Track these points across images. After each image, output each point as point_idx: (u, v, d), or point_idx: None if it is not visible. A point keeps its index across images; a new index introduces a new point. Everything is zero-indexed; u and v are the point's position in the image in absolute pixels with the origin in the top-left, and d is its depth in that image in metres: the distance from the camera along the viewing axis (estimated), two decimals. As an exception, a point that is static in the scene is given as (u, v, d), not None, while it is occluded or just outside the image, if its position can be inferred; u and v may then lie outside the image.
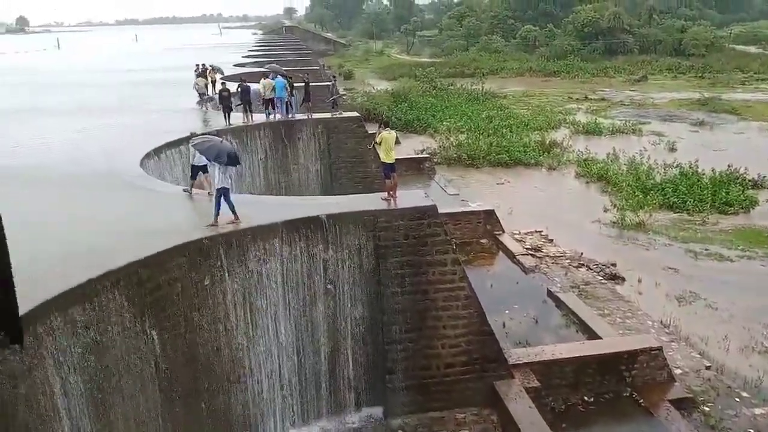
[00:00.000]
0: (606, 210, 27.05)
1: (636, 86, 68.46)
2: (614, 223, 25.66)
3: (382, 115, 38.83)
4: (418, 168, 32.89)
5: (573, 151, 37.77)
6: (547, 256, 21.87)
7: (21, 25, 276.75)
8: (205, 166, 13.79)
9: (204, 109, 26.78)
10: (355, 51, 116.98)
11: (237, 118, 23.18)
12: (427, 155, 35.40)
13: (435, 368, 13.50)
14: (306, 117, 24.64)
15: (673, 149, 38.00)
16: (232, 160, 11.68)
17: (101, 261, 9.48)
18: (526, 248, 22.31)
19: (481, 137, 39.26)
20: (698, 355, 15.64)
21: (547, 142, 38.89)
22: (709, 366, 15.13)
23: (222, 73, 31.54)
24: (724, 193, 27.95)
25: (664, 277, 20.62)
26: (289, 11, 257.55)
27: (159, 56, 66.36)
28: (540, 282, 19.87)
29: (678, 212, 26.98)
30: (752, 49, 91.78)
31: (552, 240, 23.34)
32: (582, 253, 22.16)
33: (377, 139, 13.71)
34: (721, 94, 58.16)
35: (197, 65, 30.76)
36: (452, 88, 61.96)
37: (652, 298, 19.02)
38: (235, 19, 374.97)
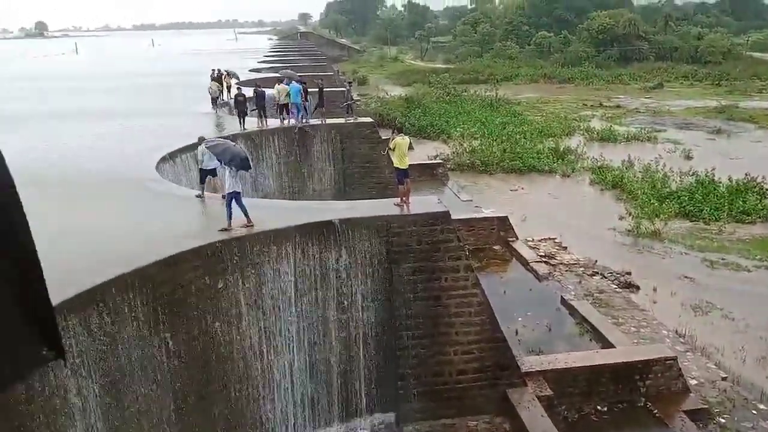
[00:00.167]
0: (621, 218, 26.82)
1: (651, 93, 67.97)
2: (629, 231, 25.44)
3: (396, 121, 38.83)
4: (431, 174, 32.86)
5: (587, 158, 37.53)
6: (561, 263, 21.73)
7: (40, 30, 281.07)
8: (214, 170, 13.91)
9: (217, 113, 26.96)
10: (370, 57, 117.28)
11: (251, 122, 23.33)
12: (441, 161, 35.37)
13: (447, 375, 13.44)
14: (320, 122, 24.73)
15: (689, 157, 37.62)
16: (245, 163, 11.78)
17: (116, 264, 9.57)
18: (540, 255, 22.18)
19: (494, 143, 39.15)
20: (714, 366, 15.44)
21: (561, 148, 38.69)
22: (726, 377, 14.92)
23: (237, 78, 31.81)
24: (741, 202, 27.62)
25: (680, 287, 20.40)
26: (304, 17, 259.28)
27: (175, 61, 67.02)
28: (553, 289, 19.73)
29: (694, 221, 26.70)
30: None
31: (566, 247, 23.19)
32: (596, 261, 22.00)
33: (391, 145, 13.73)
34: (739, 102, 57.58)
35: (212, 70, 31.02)
36: (466, 94, 61.89)
37: (668, 308, 18.81)
38: (250, 25, 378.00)
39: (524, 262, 21.73)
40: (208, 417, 11.08)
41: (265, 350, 12.12)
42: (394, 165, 14.11)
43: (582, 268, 21.35)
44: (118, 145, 20.41)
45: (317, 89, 25.73)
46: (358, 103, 36.09)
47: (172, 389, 10.21)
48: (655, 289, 20.06)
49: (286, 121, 24.25)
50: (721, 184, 29.90)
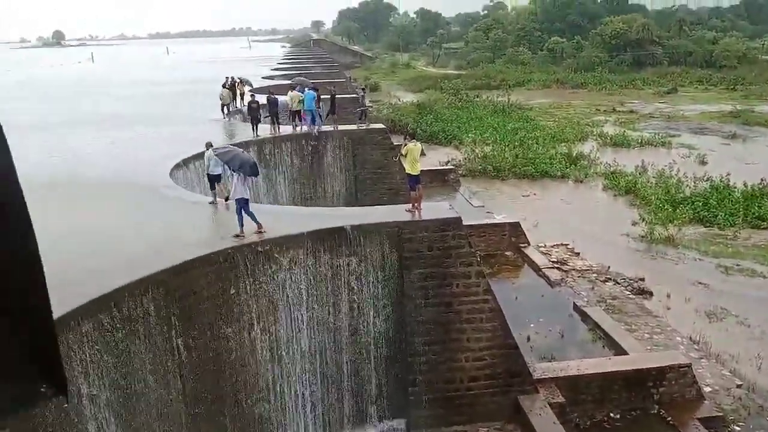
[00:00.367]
0: (634, 223, 26.65)
1: (665, 98, 67.51)
2: (643, 236, 25.25)
3: (408, 127, 38.98)
4: (443, 180, 32.89)
5: (600, 163, 37.34)
6: (574, 269, 21.62)
7: (57, 39, 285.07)
8: (219, 175, 14.06)
9: (229, 120, 27.17)
10: (382, 63, 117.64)
11: (264, 129, 23.51)
12: (452, 167, 35.38)
13: (458, 381, 13.41)
14: (332, 129, 24.86)
15: (703, 162, 37.30)
16: (254, 170, 11.88)
17: (129, 269, 9.69)
18: (552, 261, 22.09)
19: (506, 149, 39.09)
20: (729, 373, 15.26)
21: (574, 154, 38.54)
22: (741, 384, 14.75)
23: (251, 85, 32.03)
24: (756, 208, 27.33)
25: (694, 293, 20.21)
26: (317, 24, 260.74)
27: (189, 69, 67.69)
28: (566, 296, 19.64)
29: (708, 226, 26.45)
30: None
31: (578, 253, 23.07)
32: (609, 267, 21.86)
33: (403, 151, 13.78)
34: (754, 107, 57.05)
35: (226, 78, 31.29)
36: (478, 100, 61.87)
37: (682, 314, 18.64)
38: (264, 33, 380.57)
39: (536, 268, 21.65)
40: (219, 423, 11.16)
41: (276, 356, 12.19)
42: (406, 171, 14.16)
43: (595, 274, 21.23)
44: (133, 152, 20.65)
45: (329, 96, 25.89)
46: (370, 109, 36.27)
47: (184, 395, 10.30)
48: (668, 296, 19.89)
49: (298, 128, 24.41)
50: (736, 190, 29.62)
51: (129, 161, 19.08)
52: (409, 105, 57.88)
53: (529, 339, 16.64)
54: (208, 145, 14.57)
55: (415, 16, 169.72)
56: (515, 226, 23.86)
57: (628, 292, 19.95)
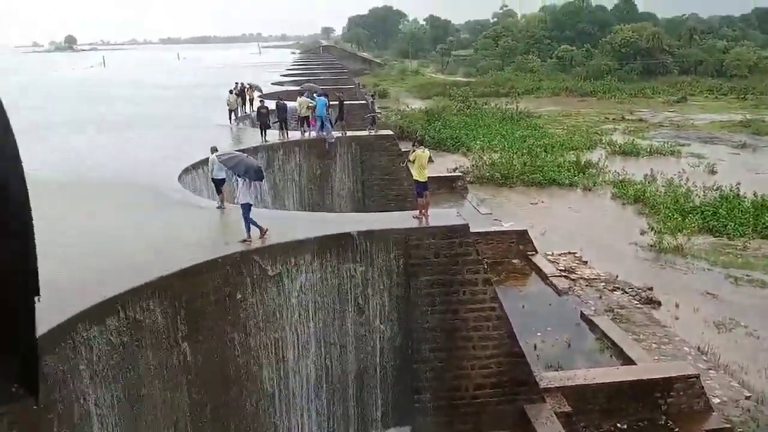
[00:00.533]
0: (643, 232, 26.52)
1: (675, 107, 67.30)
2: (651, 246, 25.12)
3: (416, 134, 39.01)
4: (450, 187, 32.87)
5: (609, 171, 37.24)
6: (581, 278, 21.52)
7: (69, 44, 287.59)
8: (223, 179, 14.12)
9: (237, 125, 27.31)
10: (391, 70, 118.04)
11: (273, 135, 23.59)
12: (460, 174, 35.37)
13: (464, 389, 13.34)
14: (340, 135, 24.92)
15: (713, 172, 37.12)
16: (258, 174, 11.90)
17: (135, 273, 9.72)
18: (560, 270, 22.00)
19: (515, 156, 39.06)
20: (737, 384, 15.11)
21: (583, 162, 38.46)
22: (749, 396, 14.61)
23: (260, 90, 32.20)
24: (766, 218, 27.14)
25: (703, 303, 20.07)
26: (327, 31, 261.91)
27: (199, 74, 68.13)
28: (573, 304, 19.54)
29: (718, 236, 26.28)
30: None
31: (586, 262, 22.96)
32: (617, 276, 21.74)
33: (410, 157, 13.77)
34: (765, 116, 56.78)
35: (236, 83, 31.45)
36: (486, 107, 61.91)
37: (690, 324, 18.50)
38: (273, 39, 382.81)
39: (544, 276, 21.56)
40: (224, 428, 11.14)
41: (281, 361, 12.17)
42: (414, 177, 14.15)
43: (603, 283, 21.12)
44: (143, 155, 20.75)
45: (338, 102, 25.96)
46: (378, 116, 36.35)
47: (189, 399, 10.30)
48: (677, 305, 19.75)
49: (306, 134, 24.48)
50: (746, 199, 29.43)
51: (139, 164, 19.15)
52: (417, 112, 57.99)
53: (535, 348, 16.56)
54: (213, 150, 14.65)
55: (424, 23, 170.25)
56: (523, 234, 23.80)
57: (636, 302, 19.82)
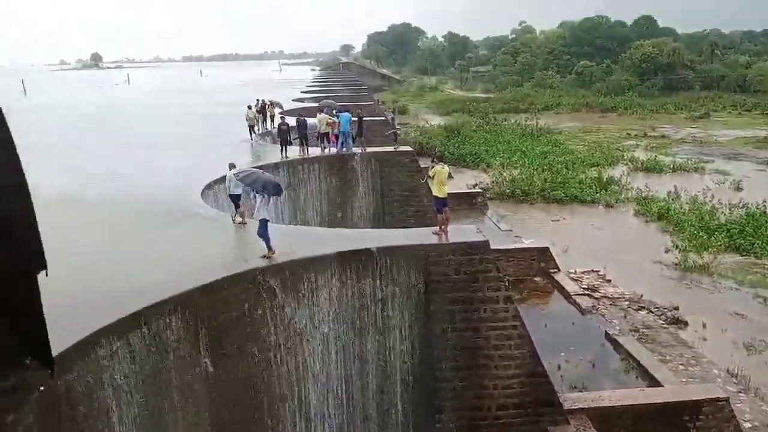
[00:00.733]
0: (667, 250, 26.04)
1: (698, 123, 66.51)
2: (676, 264, 24.65)
3: (435, 150, 38.99)
4: (470, 203, 32.69)
5: (632, 188, 36.79)
6: (605, 296, 21.15)
7: (95, 61, 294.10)
8: (240, 195, 14.17)
9: (256, 141, 27.52)
10: (410, 86, 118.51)
11: (293, 151, 23.70)
12: (480, 190, 35.20)
13: (486, 409, 13.10)
14: (360, 151, 24.96)
15: (738, 188, 36.48)
16: (277, 189, 11.90)
17: (158, 288, 9.72)
18: (583, 288, 21.65)
19: (535, 173, 38.79)
20: (769, 409, 14.65)
21: (605, 178, 38.05)
22: (782, 421, 14.13)
23: (281, 107, 32.42)
24: (795, 236, 26.53)
25: (731, 323, 19.57)
26: (347, 48, 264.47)
27: (221, 91, 69.03)
28: (597, 324, 19.17)
29: (745, 255, 25.71)
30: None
31: (610, 280, 22.58)
32: (642, 295, 21.33)
33: (430, 173, 13.70)
34: (791, 132, 55.79)
35: (257, 100, 31.75)
36: (506, 123, 61.78)
37: (718, 345, 18.04)
38: (294, 56, 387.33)
39: (566, 295, 21.23)
40: (244, 445, 11.03)
41: (302, 378, 12.06)
42: (433, 193, 14.06)
43: (627, 302, 20.73)
44: (166, 172, 20.92)
45: (356, 119, 26.03)
46: (397, 132, 36.41)
47: (210, 414, 10.23)
48: (704, 326, 19.28)
49: (326, 150, 24.56)
50: (774, 217, 28.81)
51: (163, 181, 19.30)
52: (436, 128, 58.05)
53: (559, 368, 16.25)
54: (231, 166, 14.72)
55: (443, 39, 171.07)
56: (544, 251, 23.51)
57: (662, 322, 19.41)
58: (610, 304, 20.53)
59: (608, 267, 23.61)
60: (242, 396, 10.99)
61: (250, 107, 28.75)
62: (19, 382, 5.05)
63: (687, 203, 32.64)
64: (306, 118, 24.89)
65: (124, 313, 8.71)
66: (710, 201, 32.56)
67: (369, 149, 25.35)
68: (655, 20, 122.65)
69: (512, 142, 52.00)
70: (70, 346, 7.57)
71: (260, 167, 20.96)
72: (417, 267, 12.74)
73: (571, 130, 61.69)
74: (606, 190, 36.17)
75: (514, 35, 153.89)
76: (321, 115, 24.78)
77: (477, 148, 48.81)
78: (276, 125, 26.09)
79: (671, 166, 42.99)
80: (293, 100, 48.28)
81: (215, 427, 10.32)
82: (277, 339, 11.59)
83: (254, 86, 72.34)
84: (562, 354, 17.06)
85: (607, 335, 18.22)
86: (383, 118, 41.16)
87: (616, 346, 17.51)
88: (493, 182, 37.75)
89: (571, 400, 13.73)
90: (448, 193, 13.98)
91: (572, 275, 22.84)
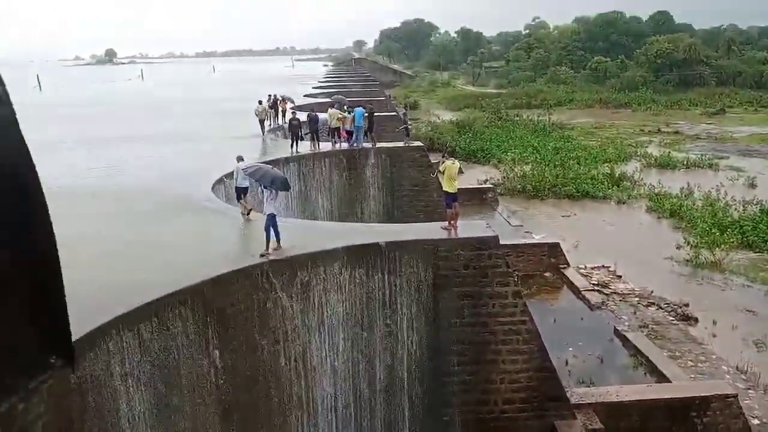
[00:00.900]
0: (679, 247, 25.88)
1: (713, 119, 65.79)
2: (688, 261, 24.51)
3: (446, 145, 38.95)
4: (480, 198, 32.69)
5: (644, 184, 36.55)
6: (615, 292, 21.10)
7: (109, 57, 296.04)
8: (247, 188, 14.24)
9: (268, 136, 27.71)
10: (421, 82, 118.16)
11: (304, 146, 23.82)
12: (491, 186, 35.16)
13: (493, 404, 13.17)
14: (371, 146, 25.04)
15: (753, 185, 36.13)
16: (285, 185, 12.01)
17: (169, 280, 9.88)
18: (593, 284, 21.62)
19: (546, 168, 38.65)
20: (779, 406, 14.59)
21: (617, 174, 37.84)
22: (792, 418, 14.07)
23: (293, 102, 32.53)
24: (810, 233, 26.25)
25: (742, 320, 19.46)
26: (359, 44, 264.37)
27: (234, 87, 69.31)
28: (606, 320, 19.16)
29: (758, 252, 25.50)
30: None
31: (620, 276, 22.52)
32: (652, 291, 21.26)
33: (440, 168, 13.75)
34: (807, 129, 55.04)
35: (269, 95, 31.88)
36: (518, 119, 61.50)
37: (728, 342, 17.95)
38: (307, 52, 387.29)
39: (576, 290, 21.21)
40: (252, 435, 11.19)
41: (309, 371, 12.20)
42: (443, 188, 14.11)
43: (637, 298, 20.67)
44: (179, 167, 21.12)
45: (367, 113, 26.08)
46: (410, 127, 36.46)
47: (219, 407, 10.39)
48: (714, 322, 19.18)
49: (337, 145, 24.67)
50: (787, 214, 28.52)
51: (176, 175, 19.49)
52: (448, 123, 57.94)
53: (567, 363, 16.27)
54: (239, 159, 14.87)
55: (455, 35, 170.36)
56: (554, 247, 23.49)
57: (672, 318, 19.34)
58: (620, 300, 20.49)
59: (619, 263, 23.53)
60: (250, 388, 11.14)
61: (260, 102, 28.88)
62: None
63: (700, 200, 32.40)
64: (317, 114, 25.02)
65: (134, 305, 8.87)
66: (723, 198, 32.29)
67: (380, 144, 25.42)
68: (671, 16, 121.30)
69: (524, 137, 51.78)
70: (80, 336, 7.74)
71: (271, 162, 21.21)
72: (426, 262, 12.80)
73: (584, 126, 61.30)
74: (618, 186, 35.98)
75: (527, 31, 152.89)
76: (332, 110, 24.91)
77: (488, 143, 48.68)
78: (287, 120, 26.22)
79: (685, 162, 42.63)
80: (305, 96, 48.39)
81: (223, 419, 10.48)
82: (285, 331, 11.72)
83: (266, 82, 72.55)
84: (571, 349, 17.08)
85: (615, 331, 18.21)
86: (394, 113, 41.21)
87: (625, 341, 17.50)
88: (504, 178, 37.67)
89: (578, 394, 13.76)
90: (459, 189, 14.01)
91: (582, 271, 22.80)
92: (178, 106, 45.29)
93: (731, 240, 25.37)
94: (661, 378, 15.13)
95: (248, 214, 14.38)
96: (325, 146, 24.48)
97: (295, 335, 11.88)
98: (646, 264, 24.26)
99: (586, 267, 23.24)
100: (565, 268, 22.89)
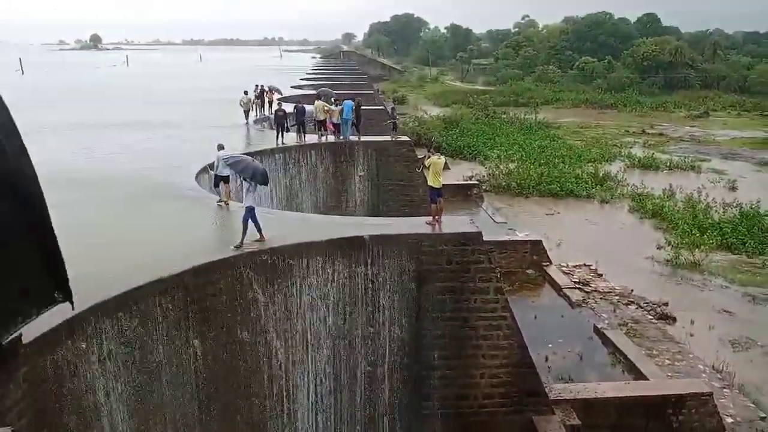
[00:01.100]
0: (660, 247, 26.20)
1: (697, 122, 66.56)
2: (668, 261, 24.83)
3: (433, 140, 39.00)
4: (465, 194, 32.77)
5: (627, 185, 36.92)
6: (596, 291, 21.30)
7: (94, 42, 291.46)
8: (228, 176, 14.17)
9: (252, 125, 27.61)
10: (410, 77, 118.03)
11: (290, 138, 23.69)
12: (476, 182, 35.26)
13: (472, 398, 13.25)
14: (356, 139, 24.97)
15: (733, 188, 36.65)
16: (264, 179, 11.81)
17: (149, 269, 9.79)
18: (574, 281, 21.80)
19: (532, 166, 38.87)
20: (752, 405, 14.85)
21: (601, 174, 38.16)
22: (765, 416, 14.35)
23: (280, 93, 32.33)
24: (787, 236, 26.70)
25: (719, 320, 19.77)
26: (348, 37, 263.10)
27: (220, 76, 68.71)
28: (587, 317, 19.34)
29: (736, 253, 25.90)
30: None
31: (601, 275, 22.73)
32: (632, 290, 21.50)
33: (426, 163, 13.76)
34: (789, 134, 55.89)
35: (256, 86, 31.65)
36: (505, 116, 61.70)
37: (705, 342, 18.23)
38: (295, 43, 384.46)
39: (557, 288, 21.38)
40: (232, 424, 11.16)
41: (290, 362, 12.18)
42: (428, 183, 14.12)
43: (617, 297, 20.89)
44: (162, 156, 20.93)
45: (355, 107, 25.97)
46: (397, 121, 36.40)
47: (198, 396, 10.34)
48: (692, 322, 19.47)
49: (323, 137, 24.57)
50: (766, 217, 28.97)
51: (160, 163, 19.31)
52: (435, 119, 57.96)
53: (547, 359, 16.41)
54: (220, 147, 14.75)
55: (445, 31, 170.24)
56: (537, 244, 23.64)
57: (651, 317, 19.58)
58: (601, 298, 20.69)
59: (600, 261, 23.75)
60: (230, 377, 11.10)
61: (245, 92, 28.71)
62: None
63: (681, 201, 32.80)
64: (304, 105, 24.88)
65: (113, 293, 8.79)
66: (705, 199, 32.72)
67: (366, 138, 25.35)
68: (659, 18, 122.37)
69: (511, 135, 52.00)
70: (58, 324, 7.65)
71: (257, 153, 21.09)
72: (409, 256, 12.82)
73: (570, 125, 61.70)
74: (602, 186, 36.30)
75: (517, 29, 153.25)
76: (318, 102, 24.77)
77: (475, 140, 48.82)
78: (273, 111, 26.06)
79: (668, 163, 43.12)
80: (292, 87, 48.11)
81: (202, 408, 10.43)
82: (267, 322, 11.68)
83: (253, 72, 72.01)
84: (551, 346, 17.22)
85: (595, 329, 18.38)
86: (382, 107, 41.13)
87: (604, 339, 17.68)
88: (489, 175, 37.81)
89: (556, 390, 13.90)
90: (444, 184, 14.05)
91: (564, 269, 22.98)
92: (160, 95, 44.78)
93: (711, 241, 25.74)
94: (639, 376, 15.32)
95: (227, 203, 14.29)
96: (311, 138, 24.38)
97: (276, 326, 11.84)
98: (627, 263, 24.52)
99: (568, 265, 23.41)
100: (547, 265, 23.05)
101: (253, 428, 11.66)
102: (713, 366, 16.55)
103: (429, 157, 13.71)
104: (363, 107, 26.43)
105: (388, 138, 25.65)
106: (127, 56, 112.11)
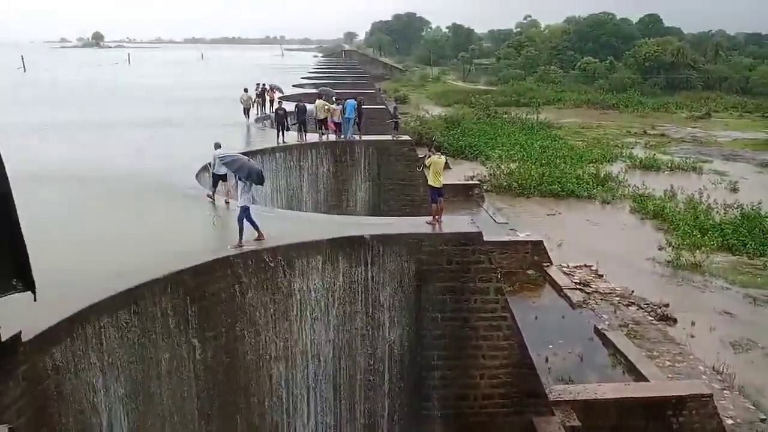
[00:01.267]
0: (660, 248, 26.16)
1: (698, 123, 66.46)
2: (669, 262, 24.79)
3: (434, 140, 38.98)
4: (466, 194, 32.74)
5: (629, 185, 36.87)
6: (596, 291, 21.26)
7: (96, 40, 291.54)
8: (225, 175, 14.13)
9: (253, 124, 27.58)
10: (412, 76, 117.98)
11: (291, 136, 23.67)
12: (477, 182, 35.22)
13: (472, 399, 13.23)
14: (357, 138, 24.94)
15: (735, 190, 36.58)
16: (260, 178, 11.71)
17: (148, 268, 9.77)
18: (575, 282, 21.76)
19: (533, 167, 38.82)
20: (752, 407, 14.81)
21: (602, 175, 38.12)
22: (765, 418, 14.31)
23: (281, 91, 32.31)
24: (789, 238, 26.65)
25: (720, 322, 19.73)
26: (350, 35, 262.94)
27: (222, 74, 68.69)
28: (587, 318, 19.30)
29: (737, 255, 25.85)
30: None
31: (602, 275, 22.69)
32: (633, 291, 21.46)
33: (426, 162, 13.73)
34: (790, 135, 55.80)
35: (257, 84, 31.62)
36: (507, 116, 61.65)
37: (706, 343, 18.20)
38: (296, 42, 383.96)
39: (558, 289, 21.35)
40: (231, 423, 11.15)
41: (289, 361, 12.16)
42: (429, 183, 14.09)
43: (618, 298, 20.84)
44: (163, 155, 20.91)
45: (357, 105, 25.94)
46: (400, 121, 36.38)
47: (197, 394, 10.32)
48: (693, 323, 19.43)
49: (324, 136, 24.54)
50: (767, 219, 28.91)
51: (161, 162, 19.29)
52: (436, 118, 57.94)
53: (547, 360, 16.38)
54: (216, 146, 14.67)
55: (447, 30, 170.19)
56: (538, 245, 23.60)
57: (652, 318, 19.54)
58: (601, 299, 20.65)
59: (601, 262, 23.71)
60: (230, 377, 11.08)
61: (246, 90, 28.71)
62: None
63: (683, 202, 32.75)
64: (305, 104, 24.85)
65: (112, 291, 8.77)
66: (706, 201, 32.67)
67: (367, 137, 25.32)
68: (661, 19, 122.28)
69: (512, 135, 51.95)
70: (57, 322, 7.64)
71: (258, 151, 21.09)
72: (409, 255, 12.80)
73: (571, 126, 61.64)
74: (603, 186, 36.25)
75: (519, 29, 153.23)
76: (319, 101, 24.75)
77: (476, 140, 48.77)
78: (274, 110, 26.03)
79: (669, 164, 43.05)
80: (293, 86, 48.07)
81: (202, 407, 10.42)
82: (266, 321, 11.66)
83: (255, 71, 71.97)
84: (551, 346, 17.19)
85: (596, 330, 18.35)
86: (384, 106, 41.09)
87: (605, 340, 17.65)
88: (490, 175, 37.77)
89: (556, 391, 13.87)
90: (445, 184, 14.03)
91: (565, 269, 22.94)
92: (162, 93, 44.76)
93: (712, 243, 25.70)
94: (639, 377, 15.29)
95: (212, 198, 14.29)
96: (312, 137, 24.35)
97: (276, 325, 11.83)
98: (628, 264, 24.49)
99: (568, 265, 23.37)
100: (547, 266, 23.02)
101: (252, 428, 11.65)
102: (714, 367, 16.52)
103: (429, 157, 13.68)
104: (364, 106, 26.41)
105: (389, 137, 25.63)
106: (129, 54, 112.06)
